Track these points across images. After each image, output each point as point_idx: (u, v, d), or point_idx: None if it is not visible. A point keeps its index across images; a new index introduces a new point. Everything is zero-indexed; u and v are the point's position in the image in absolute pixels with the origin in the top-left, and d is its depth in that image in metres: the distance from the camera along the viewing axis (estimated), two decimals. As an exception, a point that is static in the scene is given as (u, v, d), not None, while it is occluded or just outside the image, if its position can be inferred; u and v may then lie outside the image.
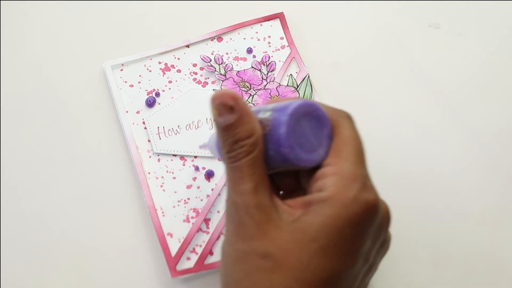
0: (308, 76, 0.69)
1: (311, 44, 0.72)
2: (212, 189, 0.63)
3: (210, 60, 0.70)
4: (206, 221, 0.62)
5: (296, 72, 0.70)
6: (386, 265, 0.61)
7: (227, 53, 0.70)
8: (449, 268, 0.62)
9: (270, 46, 0.71)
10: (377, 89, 0.70)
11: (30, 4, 0.73)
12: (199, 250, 0.61)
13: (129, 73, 0.69)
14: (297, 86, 0.69)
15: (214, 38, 0.71)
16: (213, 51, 0.70)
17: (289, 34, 0.72)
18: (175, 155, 0.65)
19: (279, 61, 0.70)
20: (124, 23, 0.73)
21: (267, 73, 0.69)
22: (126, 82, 0.68)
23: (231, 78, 0.69)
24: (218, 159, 0.65)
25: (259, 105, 0.67)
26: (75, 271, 0.61)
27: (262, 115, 0.47)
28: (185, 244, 0.60)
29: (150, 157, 0.65)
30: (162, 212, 0.62)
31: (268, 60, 0.70)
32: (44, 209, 0.63)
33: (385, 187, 0.63)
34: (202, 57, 0.70)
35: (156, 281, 0.60)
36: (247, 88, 0.68)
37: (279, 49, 0.71)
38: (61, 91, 0.69)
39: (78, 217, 0.63)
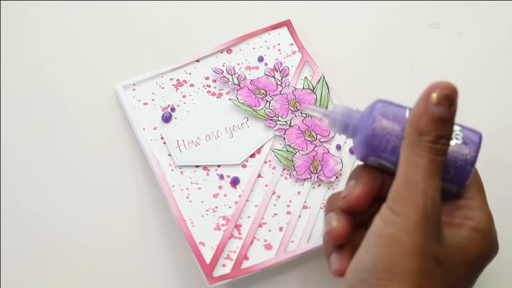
0: (324, 77, 0.68)
1: (311, 44, 0.72)
2: (240, 196, 0.62)
3: (222, 72, 0.69)
4: (237, 227, 0.60)
5: (310, 75, 0.69)
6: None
7: (238, 64, 0.70)
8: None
9: (280, 53, 0.70)
10: (377, 89, 0.70)
11: (30, 4, 0.73)
12: (234, 256, 0.58)
13: (141, 92, 0.68)
14: (313, 88, 0.68)
15: (224, 51, 0.71)
16: (224, 63, 0.70)
17: (298, 39, 0.71)
18: (197, 166, 0.64)
19: (292, 66, 0.69)
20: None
21: (281, 79, 0.69)
22: (139, 100, 0.67)
23: (245, 87, 0.68)
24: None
25: (277, 110, 0.66)
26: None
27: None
28: (219, 251, 0.58)
29: (172, 170, 0.63)
30: (191, 223, 0.60)
31: (281, 66, 0.69)
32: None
33: None
34: (214, 69, 0.69)
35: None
36: (263, 95, 0.67)
37: (290, 55, 0.70)
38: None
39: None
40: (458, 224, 0.47)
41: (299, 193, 0.62)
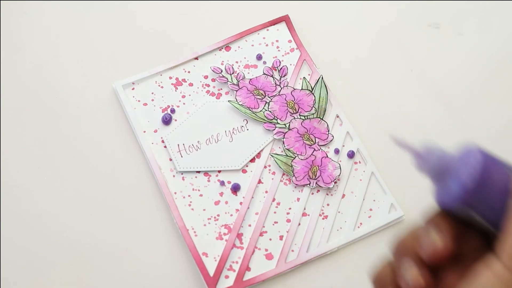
0: (322, 78, 0.69)
1: (311, 44, 0.72)
2: (241, 203, 0.63)
3: (221, 71, 0.69)
4: (239, 236, 0.62)
5: (309, 74, 0.69)
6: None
7: (237, 62, 0.70)
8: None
9: (279, 50, 0.70)
10: (377, 89, 0.70)
11: (30, 4, 0.72)
12: (236, 267, 0.60)
13: (141, 91, 0.68)
14: (312, 89, 0.68)
15: (222, 48, 0.71)
16: (223, 61, 0.70)
17: (297, 36, 0.71)
18: (198, 172, 0.65)
19: (290, 64, 0.70)
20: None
21: (280, 78, 0.69)
22: (139, 101, 0.67)
23: (244, 87, 0.68)
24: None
25: (276, 112, 0.67)
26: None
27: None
28: (222, 262, 0.60)
29: (174, 176, 0.64)
30: (194, 232, 0.62)
31: (279, 65, 0.69)
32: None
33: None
34: (212, 68, 0.69)
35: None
36: (262, 96, 0.68)
37: (288, 53, 0.70)
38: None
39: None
40: None
41: (298, 199, 0.64)
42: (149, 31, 0.72)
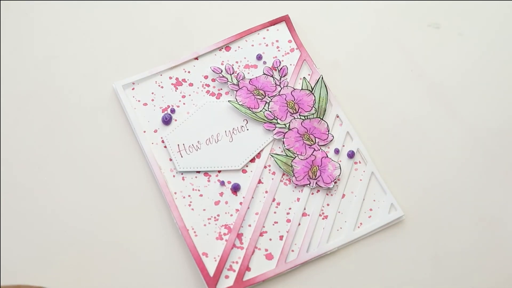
0: (322, 78, 0.69)
1: (311, 44, 0.72)
2: (241, 203, 0.63)
3: (221, 71, 0.69)
4: (239, 236, 0.62)
5: (309, 74, 0.69)
6: (386, 264, 0.62)
7: (237, 62, 0.70)
8: (449, 267, 0.62)
9: (279, 50, 0.70)
10: (377, 88, 0.70)
11: (30, 4, 0.72)
12: (236, 267, 0.60)
13: (141, 91, 0.68)
14: (312, 89, 0.68)
15: (222, 48, 0.71)
16: (223, 61, 0.70)
17: (297, 36, 0.71)
18: (198, 172, 0.65)
19: (290, 64, 0.70)
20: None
21: (280, 78, 0.69)
22: (139, 101, 0.67)
23: (244, 88, 0.68)
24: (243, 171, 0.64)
25: (276, 112, 0.67)
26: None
27: None
28: (222, 263, 0.60)
29: (174, 176, 0.64)
30: (194, 232, 0.62)
31: (279, 65, 0.69)
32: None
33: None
34: (212, 68, 0.69)
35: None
36: (262, 96, 0.68)
37: (288, 53, 0.70)
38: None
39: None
40: None
41: (298, 199, 0.64)
42: (149, 31, 0.72)
